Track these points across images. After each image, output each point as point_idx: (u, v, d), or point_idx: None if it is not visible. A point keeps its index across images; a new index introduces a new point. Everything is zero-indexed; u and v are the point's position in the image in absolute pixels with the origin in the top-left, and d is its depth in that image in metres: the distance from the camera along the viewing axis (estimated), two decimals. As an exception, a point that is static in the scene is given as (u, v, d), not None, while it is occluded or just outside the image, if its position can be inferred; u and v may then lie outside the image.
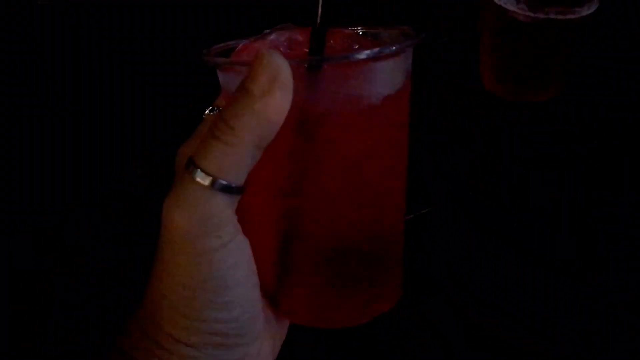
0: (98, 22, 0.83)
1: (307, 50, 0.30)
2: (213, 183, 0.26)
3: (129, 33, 0.81)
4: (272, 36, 0.33)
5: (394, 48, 0.28)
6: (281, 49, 0.32)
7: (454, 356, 0.47)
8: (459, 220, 0.56)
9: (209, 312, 0.28)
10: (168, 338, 0.28)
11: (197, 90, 0.52)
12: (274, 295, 0.32)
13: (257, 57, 0.26)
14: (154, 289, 0.28)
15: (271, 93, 0.25)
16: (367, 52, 0.26)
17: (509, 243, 0.54)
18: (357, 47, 0.32)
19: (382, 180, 0.31)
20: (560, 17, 0.59)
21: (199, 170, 0.26)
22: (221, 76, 0.31)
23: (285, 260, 0.31)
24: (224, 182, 0.26)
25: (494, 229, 0.55)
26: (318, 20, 0.29)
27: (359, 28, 0.34)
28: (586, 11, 0.60)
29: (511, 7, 0.60)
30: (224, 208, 0.27)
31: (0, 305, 0.51)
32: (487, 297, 0.50)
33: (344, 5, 0.79)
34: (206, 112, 0.33)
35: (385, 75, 0.29)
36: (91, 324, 0.48)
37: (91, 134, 0.68)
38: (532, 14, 0.59)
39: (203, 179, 0.26)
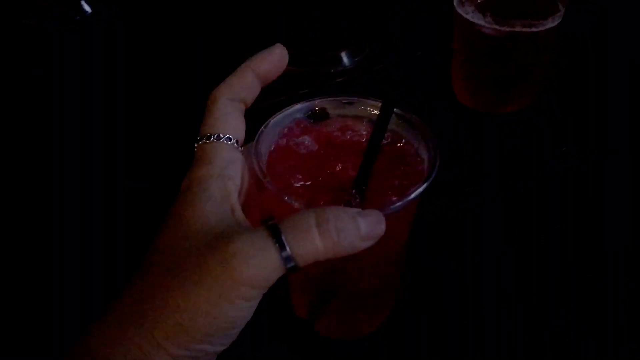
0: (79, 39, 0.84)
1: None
2: (287, 260, 0.30)
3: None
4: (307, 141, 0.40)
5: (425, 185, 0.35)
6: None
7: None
8: (434, 228, 0.57)
9: (212, 345, 0.30)
10: (152, 342, 0.29)
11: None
12: (311, 320, 0.44)
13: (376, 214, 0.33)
14: (171, 298, 0.30)
15: (372, 238, 0.32)
16: (402, 202, 0.34)
17: (480, 250, 0.55)
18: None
19: (392, 255, 0.42)
20: (525, 30, 0.61)
21: (287, 248, 0.30)
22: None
23: (323, 298, 0.42)
24: (293, 265, 0.30)
25: (465, 236, 0.57)
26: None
27: (339, 98, 0.42)
28: (551, 24, 0.62)
29: (478, 21, 0.62)
30: (275, 278, 0.30)
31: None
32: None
33: (326, 23, 0.81)
34: (197, 144, 0.36)
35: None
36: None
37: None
38: (498, 28, 0.61)
39: (284, 254, 0.30)
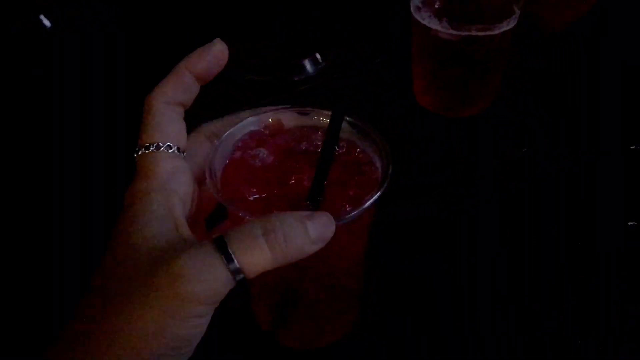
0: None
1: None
2: (236, 272, 0.29)
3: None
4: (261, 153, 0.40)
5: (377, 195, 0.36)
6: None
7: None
8: (393, 231, 0.57)
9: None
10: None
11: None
12: (273, 331, 0.44)
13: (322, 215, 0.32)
14: (120, 322, 0.29)
15: (322, 241, 0.32)
16: (356, 212, 0.35)
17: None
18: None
19: (349, 263, 0.42)
20: (481, 33, 0.62)
21: (234, 260, 0.29)
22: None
23: (283, 308, 0.42)
24: (243, 277, 0.30)
25: (425, 242, 0.57)
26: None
27: (293, 108, 0.42)
28: (505, 27, 0.63)
29: (435, 26, 0.63)
30: (225, 292, 0.30)
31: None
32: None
33: (289, 31, 0.81)
34: (136, 155, 0.35)
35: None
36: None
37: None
38: (454, 32, 0.62)
39: (232, 266, 0.29)
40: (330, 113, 0.39)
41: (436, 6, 0.65)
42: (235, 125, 0.40)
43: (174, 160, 0.35)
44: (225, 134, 0.40)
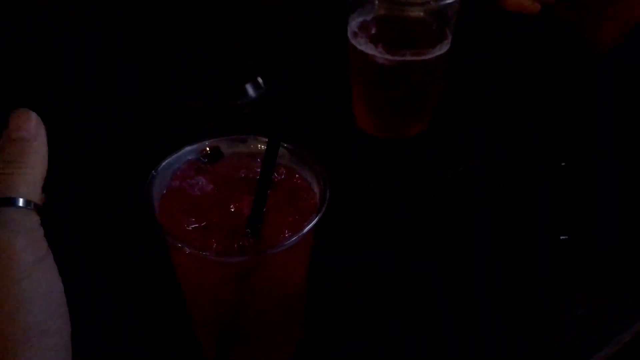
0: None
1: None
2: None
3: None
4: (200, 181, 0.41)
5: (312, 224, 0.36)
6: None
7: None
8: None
9: None
10: None
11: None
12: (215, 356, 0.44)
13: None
14: None
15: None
16: (295, 238, 0.35)
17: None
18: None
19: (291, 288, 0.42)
20: (416, 58, 0.64)
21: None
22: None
23: (226, 338, 0.42)
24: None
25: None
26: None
27: (231, 136, 0.43)
28: (439, 51, 0.65)
29: (371, 51, 0.65)
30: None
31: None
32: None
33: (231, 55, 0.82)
34: None
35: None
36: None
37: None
38: (390, 57, 0.64)
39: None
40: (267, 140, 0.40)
41: (372, 32, 0.67)
42: (173, 155, 0.40)
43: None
44: (163, 164, 0.40)
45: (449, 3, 0.63)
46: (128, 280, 0.53)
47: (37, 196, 0.34)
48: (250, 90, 0.81)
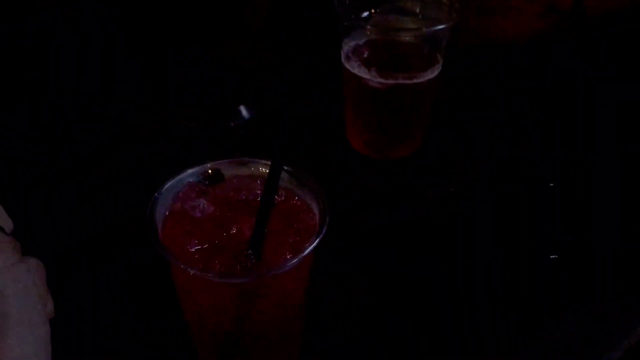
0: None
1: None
2: None
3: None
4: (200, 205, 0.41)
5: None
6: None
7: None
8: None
9: None
10: None
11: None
12: None
13: None
14: None
15: None
16: (296, 260, 0.36)
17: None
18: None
19: (290, 309, 0.42)
20: (408, 81, 0.65)
21: None
22: None
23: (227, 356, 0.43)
24: None
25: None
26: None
27: (232, 160, 0.43)
28: (430, 75, 0.66)
29: (364, 75, 0.66)
30: None
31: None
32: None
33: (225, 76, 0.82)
34: None
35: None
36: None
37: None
38: (383, 81, 0.65)
39: None
40: (268, 162, 0.41)
41: (365, 55, 0.68)
42: (174, 177, 0.41)
43: None
44: (165, 186, 0.40)
45: (439, 29, 0.65)
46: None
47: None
48: (244, 111, 0.80)
